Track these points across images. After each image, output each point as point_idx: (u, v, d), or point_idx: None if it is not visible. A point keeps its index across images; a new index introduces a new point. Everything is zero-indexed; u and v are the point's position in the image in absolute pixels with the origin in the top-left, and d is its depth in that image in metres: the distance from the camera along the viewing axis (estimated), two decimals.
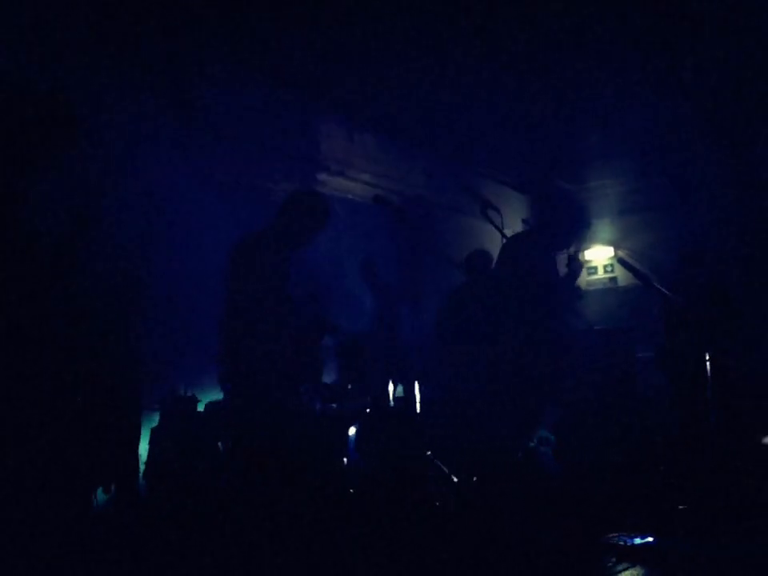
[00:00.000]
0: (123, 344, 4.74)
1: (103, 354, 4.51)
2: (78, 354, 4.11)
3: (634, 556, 3.58)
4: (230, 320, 4.47)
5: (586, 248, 10.46)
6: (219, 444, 4.91)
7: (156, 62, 5.69)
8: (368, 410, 5.41)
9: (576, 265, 5.05)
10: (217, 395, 5.28)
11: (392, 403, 5.72)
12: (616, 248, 10.20)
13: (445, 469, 5.01)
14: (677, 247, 7.02)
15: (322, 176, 7.44)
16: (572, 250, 5.17)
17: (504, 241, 4.80)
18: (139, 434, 4.84)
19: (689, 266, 6.50)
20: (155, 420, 5.28)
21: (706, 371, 5.17)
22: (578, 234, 5.08)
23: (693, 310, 5.79)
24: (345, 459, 4.99)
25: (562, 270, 5.13)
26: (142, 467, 4.87)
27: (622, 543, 3.74)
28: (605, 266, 10.41)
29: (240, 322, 4.39)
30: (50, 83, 4.60)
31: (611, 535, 3.82)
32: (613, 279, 10.28)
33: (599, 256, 10.41)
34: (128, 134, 5.58)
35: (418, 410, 5.59)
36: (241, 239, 4.60)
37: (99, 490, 4.57)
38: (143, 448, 5.03)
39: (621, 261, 5.78)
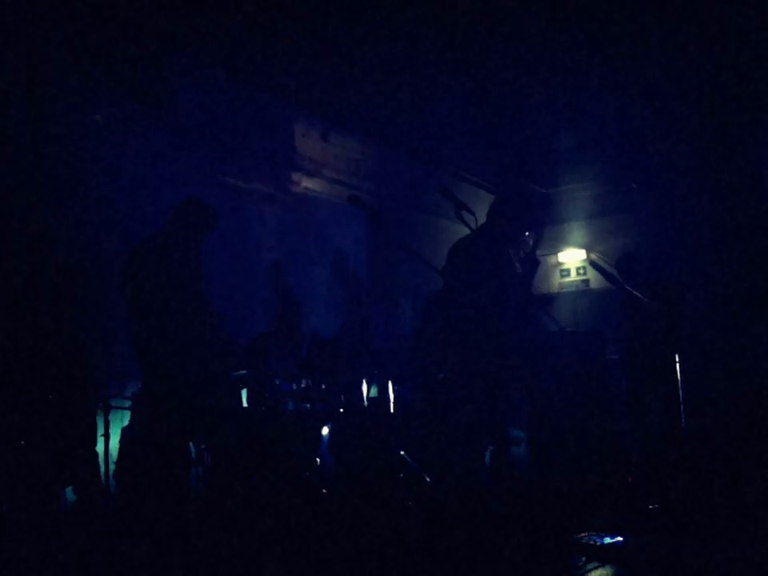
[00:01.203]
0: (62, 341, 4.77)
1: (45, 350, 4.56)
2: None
3: (604, 555, 3.62)
4: (135, 323, 4.63)
5: (559, 249, 10.56)
6: (191, 443, 4.90)
7: (126, 60, 5.64)
8: (341, 410, 5.41)
9: (532, 259, 5.11)
10: None
11: (365, 403, 5.72)
12: (588, 251, 10.30)
13: (417, 468, 5.02)
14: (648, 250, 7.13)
15: (296, 176, 7.43)
16: (530, 243, 5.23)
17: (457, 242, 4.90)
18: (95, 432, 4.77)
19: (623, 263, 6.66)
20: (126, 419, 5.25)
21: (675, 372, 5.25)
22: (528, 226, 5.10)
23: (657, 312, 5.88)
24: (318, 459, 4.99)
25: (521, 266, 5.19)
26: (105, 466, 4.83)
27: (591, 543, 3.78)
28: (577, 269, 10.51)
29: (145, 324, 4.55)
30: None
31: (581, 535, 3.86)
32: (585, 281, 10.38)
33: (572, 258, 10.51)
34: (97, 134, 5.54)
35: (392, 410, 5.61)
36: (137, 245, 4.73)
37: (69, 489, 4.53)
38: (113, 446, 5.00)
39: (592, 263, 5.85)
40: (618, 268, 6.75)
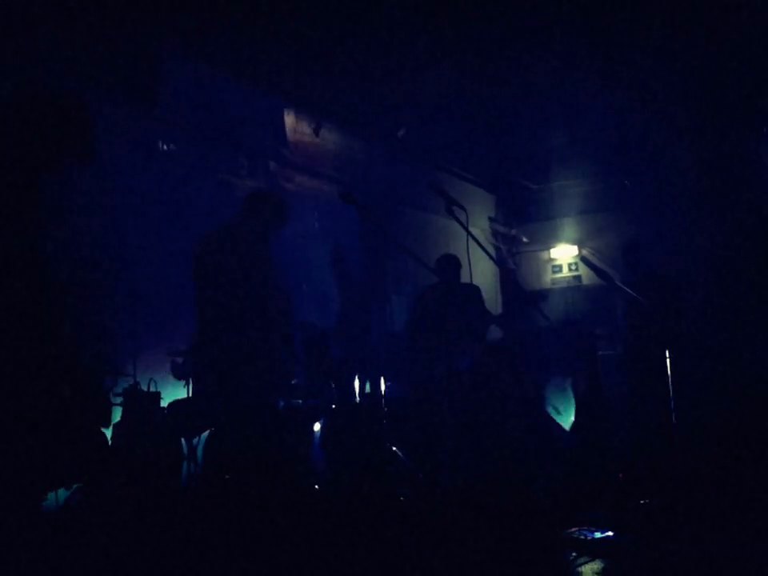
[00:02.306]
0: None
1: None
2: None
3: (595, 550, 3.63)
4: (204, 315, 4.55)
5: (551, 245, 10.58)
6: (182, 440, 4.89)
7: (116, 56, 5.61)
8: (333, 406, 5.41)
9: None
10: (179, 391, 5.27)
11: (358, 399, 5.72)
12: (580, 246, 10.32)
13: (410, 464, 5.03)
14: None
15: (288, 172, 7.41)
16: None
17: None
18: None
19: (629, 255, 6.65)
20: (117, 415, 5.23)
21: (666, 368, 5.26)
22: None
23: (649, 307, 5.89)
24: (309, 455, 4.99)
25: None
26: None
27: (582, 537, 3.79)
28: (569, 265, 10.52)
29: (215, 317, 4.48)
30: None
31: (572, 530, 3.87)
32: (577, 277, 10.39)
33: (564, 254, 10.52)
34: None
35: (384, 406, 5.61)
36: (207, 236, 4.66)
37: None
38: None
39: (584, 260, 5.88)
40: (624, 258, 6.71)
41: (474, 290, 6.04)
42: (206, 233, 4.70)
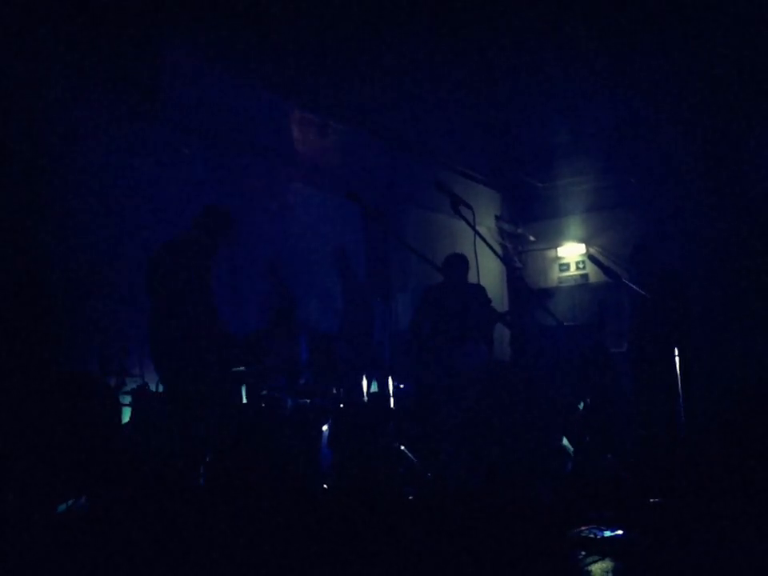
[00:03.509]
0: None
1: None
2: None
3: (604, 549, 3.61)
4: (157, 322, 4.85)
5: (558, 244, 10.55)
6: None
7: (119, 56, 5.60)
8: (341, 406, 5.40)
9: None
10: None
11: (365, 398, 5.72)
12: (587, 245, 10.28)
13: (418, 464, 5.02)
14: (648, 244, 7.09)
15: (293, 171, 7.41)
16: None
17: None
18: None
19: (639, 255, 6.59)
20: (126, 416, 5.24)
21: (675, 366, 5.24)
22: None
23: (658, 305, 5.87)
24: (317, 455, 4.99)
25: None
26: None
27: (591, 536, 3.78)
28: (576, 263, 10.48)
29: (167, 325, 4.80)
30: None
31: (581, 528, 3.85)
32: (584, 276, 10.36)
33: (571, 253, 10.48)
34: (93, 133, 5.52)
35: (392, 406, 5.60)
36: (161, 247, 4.95)
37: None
38: None
39: (591, 258, 5.85)
40: (631, 260, 6.66)
41: (480, 290, 6.03)
42: (160, 244, 4.98)
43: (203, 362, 4.81)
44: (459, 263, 6.07)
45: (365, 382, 5.72)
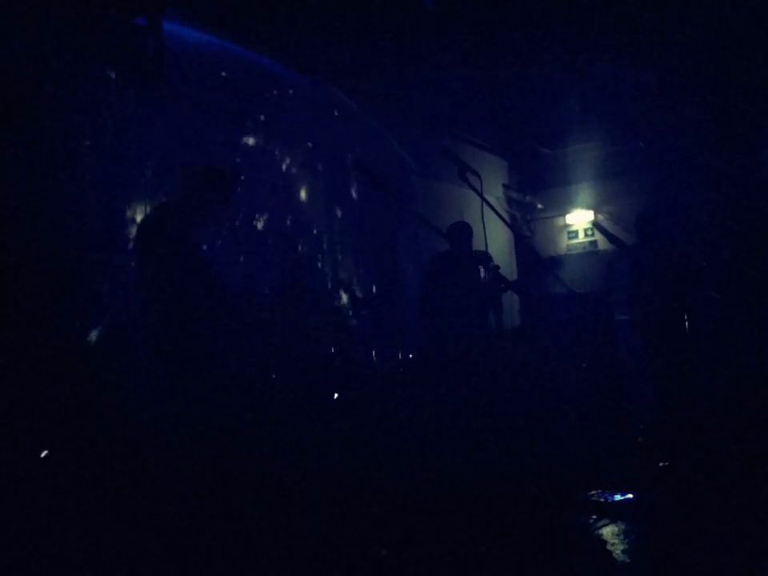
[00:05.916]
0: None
1: None
2: None
3: (614, 512, 3.64)
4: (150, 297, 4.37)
5: (566, 211, 10.50)
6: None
7: (118, 30, 5.51)
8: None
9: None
10: None
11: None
12: (596, 212, 10.24)
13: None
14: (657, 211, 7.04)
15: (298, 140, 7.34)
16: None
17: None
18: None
19: (644, 225, 6.50)
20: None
21: (685, 334, 5.23)
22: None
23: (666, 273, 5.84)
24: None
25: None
26: None
27: (602, 500, 3.80)
28: (585, 230, 10.45)
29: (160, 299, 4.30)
30: None
31: (591, 492, 3.88)
32: (593, 243, 10.32)
33: (580, 220, 10.44)
34: (93, 109, 5.47)
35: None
36: (148, 215, 4.63)
37: None
38: None
39: (597, 225, 5.82)
40: (636, 228, 6.60)
41: (485, 257, 6.02)
42: (148, 213, 4.67)
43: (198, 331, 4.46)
44: (463, 232, 6.07)
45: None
